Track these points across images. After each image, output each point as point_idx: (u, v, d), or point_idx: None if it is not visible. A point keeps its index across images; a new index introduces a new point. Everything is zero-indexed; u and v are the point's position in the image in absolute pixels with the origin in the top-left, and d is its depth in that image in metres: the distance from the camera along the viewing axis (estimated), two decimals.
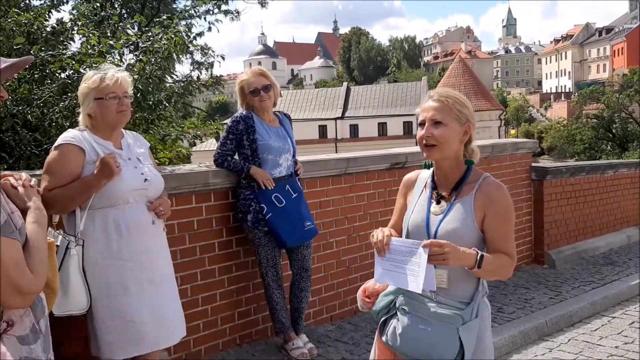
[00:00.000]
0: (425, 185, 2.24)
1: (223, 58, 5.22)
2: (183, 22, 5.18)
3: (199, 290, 3.83)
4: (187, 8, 4.95)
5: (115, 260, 2.71)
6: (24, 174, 1.79)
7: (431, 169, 2.25)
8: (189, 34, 5.08)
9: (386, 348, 2.20)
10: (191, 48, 5.12)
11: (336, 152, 33.57)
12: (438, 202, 2.15)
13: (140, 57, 4.67)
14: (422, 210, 2.17)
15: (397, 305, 2.14)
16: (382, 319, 2.21)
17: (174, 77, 5.65)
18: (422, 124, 2.13)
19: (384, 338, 2.19)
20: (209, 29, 5.29)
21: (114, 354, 2.74)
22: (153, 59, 4.72)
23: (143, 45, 4.65)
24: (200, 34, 5.13)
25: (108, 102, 2.75)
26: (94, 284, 2.67)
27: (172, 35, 4.90)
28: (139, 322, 2.75)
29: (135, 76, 4.57)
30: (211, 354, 3.90)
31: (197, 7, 5.08)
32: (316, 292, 4.53)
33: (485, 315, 2.17)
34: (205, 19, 5.10)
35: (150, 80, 4.62)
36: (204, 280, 3.86)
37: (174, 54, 4.90)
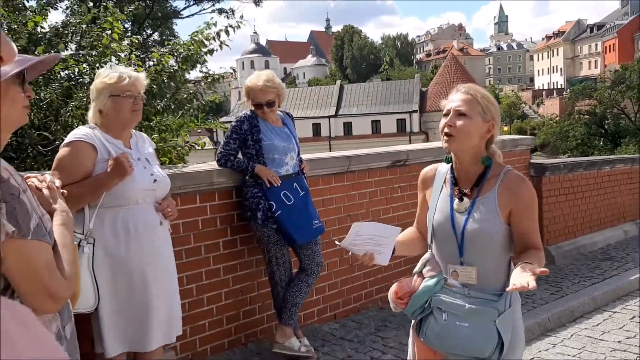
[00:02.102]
0: (444, 181, 2.21)
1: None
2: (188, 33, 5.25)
3: (204, 289, 3.83)
4: (198, 31, 4.98)
5: (123, 260, 2.73)
6: (48, 176, 1.72)
7: (450, 164, 2.22)
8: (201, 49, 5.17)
9: (426, 346, 2.21)
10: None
11: (330, 150, 33.56)
12: (461, 200, 2.13)
13: (155, 59, 4.71)
14: (445, 209, 2.16)
15: (431, 304, 2.14)
16: (418, 318, 2.21)
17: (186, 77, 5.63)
18: (446, 114, 2.13)
19: (422, 337, 2.19)
20: (220, 45, 5.31)
21: (117, 351, 2.77)
22: (173, 59, 4.76)
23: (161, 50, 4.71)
24: (210, 51, 5.17)
25: (123, 99, 2.76)
26: (101, 282, 2.68)
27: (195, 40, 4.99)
28: (143, 321, 2.79)
29: (155, 69, 4.58)
30: (217, 353, 3.90)
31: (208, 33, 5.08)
32: (320, 291, 4.54)
33: (517, 307, 2.17)
34: (215, 39, 5.10)
35: (164, 82, 4.63)
36: (209, 280, 3.86)
37: (195, 54, 4.95)
